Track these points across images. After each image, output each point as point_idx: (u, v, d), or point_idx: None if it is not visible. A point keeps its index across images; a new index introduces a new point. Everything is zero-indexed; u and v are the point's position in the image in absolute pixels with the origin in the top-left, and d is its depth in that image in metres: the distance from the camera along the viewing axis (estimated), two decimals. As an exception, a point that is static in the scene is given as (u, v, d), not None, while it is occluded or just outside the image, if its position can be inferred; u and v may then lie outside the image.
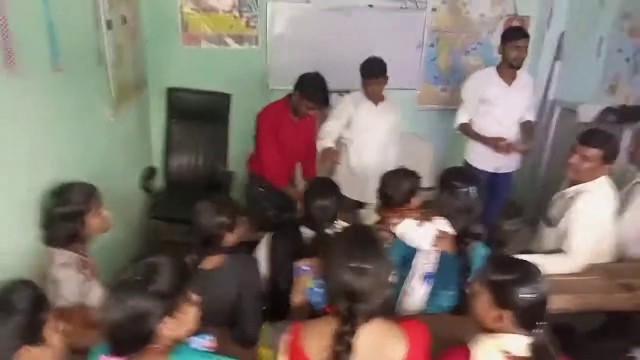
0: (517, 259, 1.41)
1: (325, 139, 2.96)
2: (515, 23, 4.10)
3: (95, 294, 1.73)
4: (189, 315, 1.25)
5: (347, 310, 1.22)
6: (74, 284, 1.66)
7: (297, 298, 1.77)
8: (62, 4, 1.96)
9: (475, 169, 3.30)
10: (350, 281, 1.21)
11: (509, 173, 3.42)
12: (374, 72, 2.89)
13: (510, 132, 3.26)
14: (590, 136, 2.25)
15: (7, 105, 1.56)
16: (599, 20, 3.70)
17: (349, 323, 1.22)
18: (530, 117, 3.36)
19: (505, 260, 1.39)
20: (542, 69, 4.15)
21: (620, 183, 2.48)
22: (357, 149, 3.10)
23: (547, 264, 2.17)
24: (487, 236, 3.16)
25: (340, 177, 3.13)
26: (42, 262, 1.70)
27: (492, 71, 3.25)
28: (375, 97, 3.00)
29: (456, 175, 1.93)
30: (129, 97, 3.01)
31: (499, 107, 3.19)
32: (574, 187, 2.31)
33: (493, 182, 3.34)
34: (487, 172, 3.31)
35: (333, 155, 2.87)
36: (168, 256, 1.23)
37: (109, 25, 2.59)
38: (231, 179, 3.65)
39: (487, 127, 3.23)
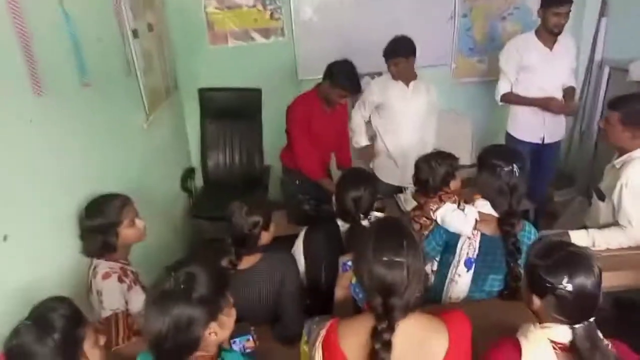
0: (566, 243, 1.28)
1: (358, 137, 3.00)
2: (554, -18, 3.84)
3: (138, 301, 1.76)
4: (230, 317, 1.25)
5: (382, 306, 1.18)
6: (116, 293, 1.69)
7: (339, 293, 1.74)
8: (85, 19, 1.98)
9: (520, 141, 3.15)
10: (382, 275, 1.17)
11: (556, 142, 3.23)
12: (401, 51, 2.76)
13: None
14: (615, 99, 2.17)
15: (39, 124, 1.59)
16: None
17: (385, 319, 1.17)
18: (572, 82, 3.16)
19: (550, 244, 1.27)
20: (587, 27, 3.88)
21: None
22: (392, 133, 3.01)
23: (605, 240, 2.08)
24: (537, 209, 3.09)
25: (378, 164, 3.09)
26: (87, 274, 1.75)
27: (530, 36, 3.06)
28: (406, 77, 2.88)
29: (496, 154, 1.80)
30: (161, 103, 3.06)
31: (541, 74, 3.02)
32: (621, 158, 2.15)
33: (540, 152, 3.18)
34: (532, 143, 3.15)
35: (369, 152, 2.90)
36: (204, 262, 1.23)
37: (135, 34, 2.63)
38: (268, 173, 3.66)
39: (529, 95, 3.07)
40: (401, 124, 2.97)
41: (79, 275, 1.74)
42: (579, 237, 2.08)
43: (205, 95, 3.62)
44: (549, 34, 2.95)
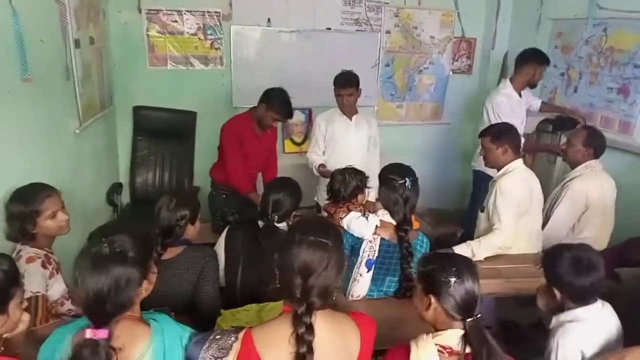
0: (447, 252, 1.54)
1: (315, 162, 3.15)
2: (463, 44, 4.47)
3: (58, 289, 1.84)
4: (154, 273, 1.39)
5: (301, 287, 1.22)
6: (38, 277, 1.75)
7: None
8: (32, 18, 2.11)
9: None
10: (304, 255, 1.22)
11: None
12: (347, 81, 3.04)
13: None
14: (482, 130, 2.69)
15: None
16: (537, 39, 4.06)
17: (303, 302, 1.21)
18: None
19: (434, 253, 1.53)
20: (491, 86, 4.47)
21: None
22: (336, 162, 3.07)
23: (482, 246, 2.42)
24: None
25: (322, 193, 3.21)
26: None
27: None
28: (349, 109, 3.15)
29: (392, 170, 2.11)
30: (95, 114, 3.14)
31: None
32: (500, 172, 2.57)
33: None
34: None
35: (327, 170, 2.97)
36: (130, 229, 1.34)
37: (77, 44, 2.76)
38: (197, 194, 3.76)
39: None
40: (344, 154, 3.14)
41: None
42: (460, 250, 2.41)
43: (140, 113, 3.73)
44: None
